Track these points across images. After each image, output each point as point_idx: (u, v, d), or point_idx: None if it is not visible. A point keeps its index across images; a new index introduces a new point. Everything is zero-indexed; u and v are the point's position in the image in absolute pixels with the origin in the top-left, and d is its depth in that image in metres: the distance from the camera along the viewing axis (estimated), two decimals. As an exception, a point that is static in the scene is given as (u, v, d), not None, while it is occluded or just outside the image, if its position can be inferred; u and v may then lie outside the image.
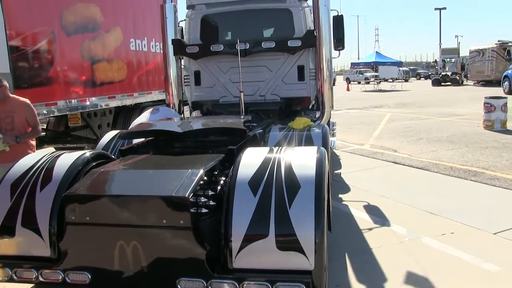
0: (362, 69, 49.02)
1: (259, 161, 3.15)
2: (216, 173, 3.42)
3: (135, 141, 4.71)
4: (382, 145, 10.46)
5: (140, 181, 3.29)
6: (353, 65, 47.66)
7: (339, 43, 6.89)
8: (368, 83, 44.30)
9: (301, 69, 6.56)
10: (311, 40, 6.20)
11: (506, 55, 33.53)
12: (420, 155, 9.14)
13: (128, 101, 9.67)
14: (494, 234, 4.89)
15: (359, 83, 46.74)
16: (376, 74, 41.86)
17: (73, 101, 7.86)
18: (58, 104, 7.42)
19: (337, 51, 7.00)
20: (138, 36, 9.90)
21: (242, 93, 6.05)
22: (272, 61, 6.60)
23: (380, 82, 40.72)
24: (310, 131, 4.89)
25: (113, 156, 4.33)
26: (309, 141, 4.66)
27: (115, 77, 9.10)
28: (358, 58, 61.70)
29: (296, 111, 6.66)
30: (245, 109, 6.10)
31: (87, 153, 3.81)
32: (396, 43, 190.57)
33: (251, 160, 3.20)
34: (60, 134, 9.48)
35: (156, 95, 10.62)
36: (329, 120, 6.85)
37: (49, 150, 4.31)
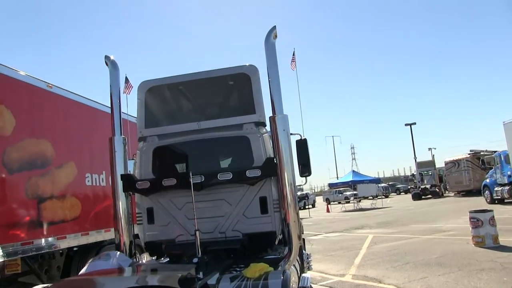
0: (341, 189, 49.16)
1: None
2: None
3: None
4: (365, 274, 9.50)
5: None
6: (331, 185, 47.81)
7: (304, 168, 6.32)
8: (348, 202, 44.03)
9: (263, 201, 5.90)
10: (271, 168, 5.63)
11: (481, 164, 34.22)
12: (408, 284, 8.23)
13: (83, 241, 8.74)
14: None
15: (339, 203, 46.45)
16: (355, 192, 41.88)
17: (11, 245, 6.92)
18: (-9, 251, 6.49)
19: (304, 177, 6.46)
20: (95, 170, 9.30)
21: (198, 232, 5.35)
22: (231, 193, 5.96)
23: (360, 200, 40.56)
24: (267, 280, 4.08)
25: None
26: None
27: (66, 215, 8.29)
28: (337, 178, 62.27)
29: (261, 248, 5.90)
30: (203, 249, 5.35)
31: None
32: (373, 159, 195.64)
33: None
34: (3, 281, 8.36)
35: (116, 232, 9.75)
36: (301, 252, 6.07)
37: None
